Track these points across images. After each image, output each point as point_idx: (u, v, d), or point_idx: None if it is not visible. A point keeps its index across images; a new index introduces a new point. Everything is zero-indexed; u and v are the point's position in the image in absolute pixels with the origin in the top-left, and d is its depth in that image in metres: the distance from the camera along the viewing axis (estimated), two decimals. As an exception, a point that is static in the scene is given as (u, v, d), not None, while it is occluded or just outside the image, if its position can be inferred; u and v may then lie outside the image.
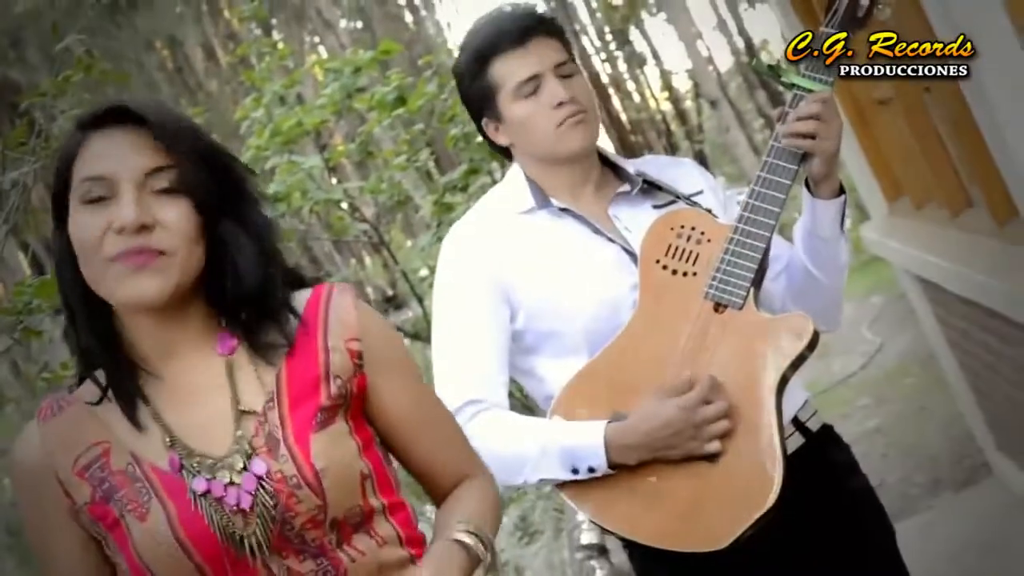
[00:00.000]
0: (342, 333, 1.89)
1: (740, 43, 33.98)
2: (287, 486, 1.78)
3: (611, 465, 2.52)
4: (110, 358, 1.85)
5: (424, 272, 7.52)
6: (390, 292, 25.22)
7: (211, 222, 1.83)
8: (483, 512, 1.96)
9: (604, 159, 2.81)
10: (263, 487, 1.78)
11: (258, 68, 6.87)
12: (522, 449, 2.57)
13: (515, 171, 2.80)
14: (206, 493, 1.78)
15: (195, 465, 1.80)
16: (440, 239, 6.60)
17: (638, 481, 2.54)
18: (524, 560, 7.22)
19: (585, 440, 2.53)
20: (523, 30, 2.68)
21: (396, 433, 1.95)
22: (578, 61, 2.79)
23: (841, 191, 2.63)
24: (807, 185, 2.63)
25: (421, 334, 8.05)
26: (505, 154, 2.83)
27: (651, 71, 40.04)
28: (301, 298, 1.92)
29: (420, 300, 7.69)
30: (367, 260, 29.04)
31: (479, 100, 2.74)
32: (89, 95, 3.96)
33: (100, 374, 1.87)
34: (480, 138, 6.27)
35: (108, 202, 1.78)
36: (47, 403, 1.90)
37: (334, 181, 6.97)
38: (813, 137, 2.54)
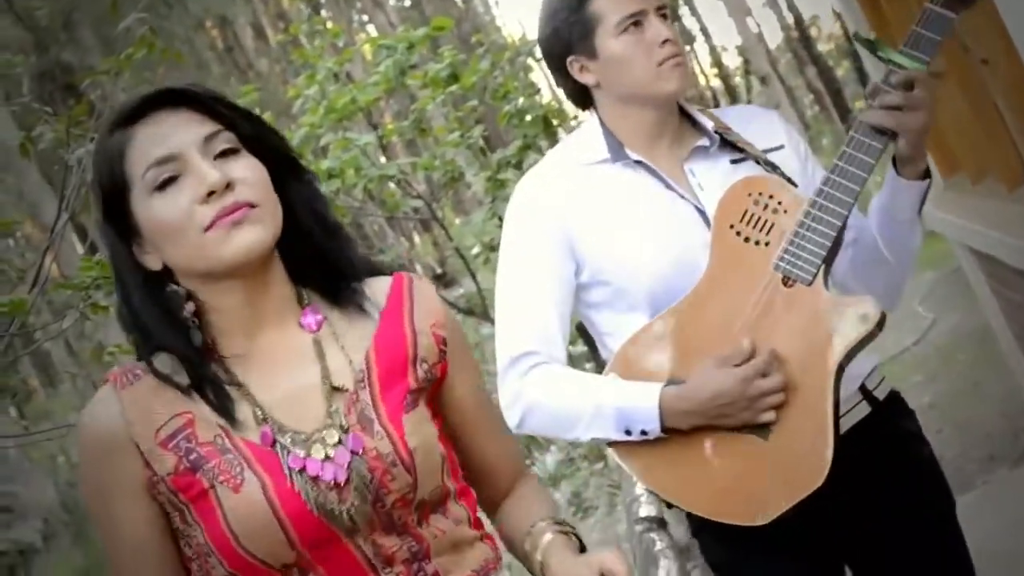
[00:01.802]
0: (428, 318, 1.92)
1: (790, 19, 33.84)
2: (383, 463, 1.80)
3: (664, 429, 2.53)
4: (191, 353, 1.85)
5: (477, 249, 7.55)
6: (439, 270, 25.31)
7: (277, 182, 1.86)
8: (553, 508, 2.03)
9: (683, 111, 2.77)
10: (358, 463, 1.80)
11: (310, 47, 6.90)
12: (577, 407, 2.57)
13: (591, 121, 2.77)
14: (302, 470, 1.79)
15: (288, 440, 1.81)
16: (495, 215, 6.64)
17: (688, 448, 2.54)
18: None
19: (640, 403, 2.53)
20: None
21: (462, 424, 1.99)
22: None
23: (926, 175, 2.58)
24: (894, 163, 2.57)
25: (475, 309, 8.08)
26: (581, 100, 2.79)
27: (701, 48, 39.98)
28: (382, 284, 1.94)
29: (473, 276, 7.71)
30: (416, 239, 29.14)
31: (574, 35, 2.68)
32: (149, 73, 4.00)
33: (164, 358, 1.86)
34: (530, 116, 6.32)
35: (181, 179, 1.79)
36: (120, 371, 1.89)
37: (383, 160, 6.99)
38: (900, 112, 2.46)
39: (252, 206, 1.78)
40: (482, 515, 2.03)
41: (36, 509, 16.80)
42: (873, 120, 2.49)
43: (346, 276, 1.91)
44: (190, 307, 1.85)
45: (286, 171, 1.89)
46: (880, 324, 2.48)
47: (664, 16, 2.66)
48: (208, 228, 1.77)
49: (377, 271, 1.97)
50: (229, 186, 1.78)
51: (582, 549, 1.96)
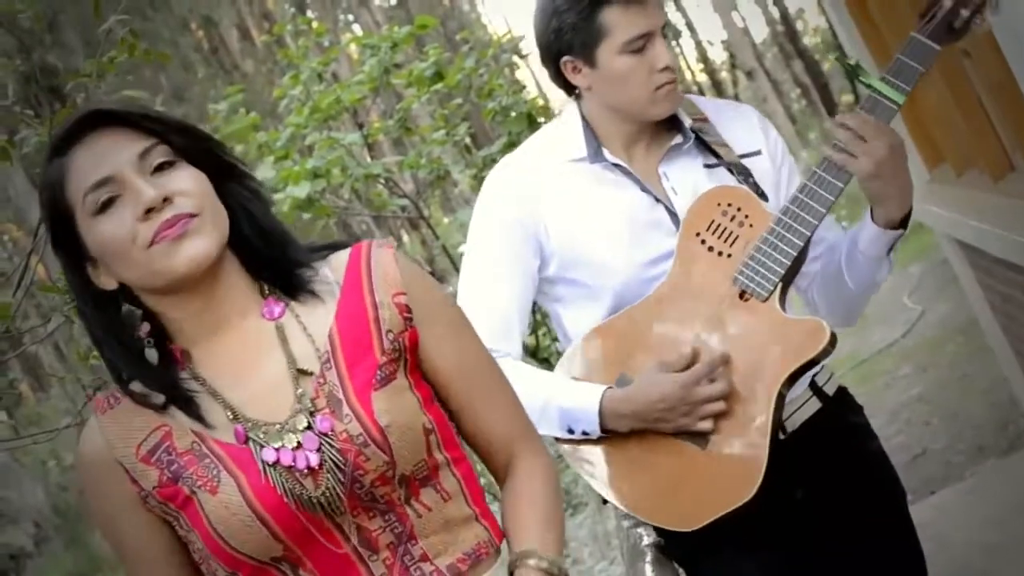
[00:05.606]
0: (387, 288, 1.90)
1: (775, 13, 33.86)
2: (354, 445, 1.80)
3: (604, 431, 2.55)
4: (155, 374, 1.88)
5: (464, 247, 7.52)
6: (428, 269, 25.33)
7: (218, 188, 1.88)
8: (553, 522, 1.97)
9: None
10: (329, 444, 1.80)
11: (295, 46, 6.88)
12: (526, 403, 2.57)
13: (572, 114, 2.75)
14: (275, 463, 1.81)
15: (261, 435, 1.83)
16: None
17: (629, 449, 2.57)
18: (568, 532, 7.24)
19: (582, 404, 2.56)
20: None
21: (447, 387, 1.95)
22: None
23: (902, 225, 2.57)
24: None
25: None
26: (568, 89, 2.76)
27: (686, 42, 39.98)
28: (340, 257, 1.94)
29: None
30: (405, 237, 29.12)
31: (576, 39, 2.63)
32: (131, 76, 3.98)
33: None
34: (515, 113, 6.31)
35: (120, 200, 1.82)
36: (101, 397, 1.93)
37: (369, 159, 6.96)
38: (848, 153, 2.48)
39: (193, 216, 1.80)
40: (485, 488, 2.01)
41: (27, 513, 16.79)
42: (828, 155, 2.50)
43: (292, 269, 1.91)
44: (145, 327, 1.88)
45: (226, 176, 1.90)
46: (831, 344, 2.48)
47: (665, 36, 2.63)
48: (152, 244, 1.80)
49: (334, 249, 1.97)
50: (167, 200, 1.80)
51: None
